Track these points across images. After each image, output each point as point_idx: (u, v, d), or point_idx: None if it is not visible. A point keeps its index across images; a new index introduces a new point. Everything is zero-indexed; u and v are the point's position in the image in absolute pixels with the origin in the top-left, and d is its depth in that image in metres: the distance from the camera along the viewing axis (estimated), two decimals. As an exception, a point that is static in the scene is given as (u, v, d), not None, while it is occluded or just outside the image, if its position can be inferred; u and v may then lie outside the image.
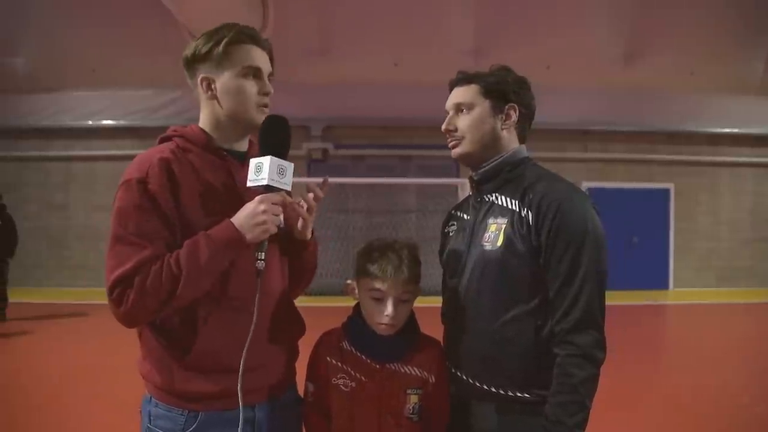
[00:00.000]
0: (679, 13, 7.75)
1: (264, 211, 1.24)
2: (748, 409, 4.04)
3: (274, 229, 1.26)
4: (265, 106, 1.39)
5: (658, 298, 9.44)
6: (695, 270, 10.35)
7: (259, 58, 1.38)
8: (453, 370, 1.50)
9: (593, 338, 1.32)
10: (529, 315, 1.39)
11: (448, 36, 8.05)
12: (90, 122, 9.96)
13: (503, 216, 1.44)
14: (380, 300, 1.43)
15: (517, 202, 1.43)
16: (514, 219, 1.41)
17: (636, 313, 7.98)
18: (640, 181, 10.24)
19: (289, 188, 1.30)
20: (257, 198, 1.26)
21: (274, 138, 1.32)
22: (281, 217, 1.30)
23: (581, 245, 1.34)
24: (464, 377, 1.47)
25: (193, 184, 1.30)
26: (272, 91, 1.40)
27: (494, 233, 1.43)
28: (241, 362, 1.22)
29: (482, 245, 1.44)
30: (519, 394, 1.39)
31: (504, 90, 1.50)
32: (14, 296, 7.66)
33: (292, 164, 1.31)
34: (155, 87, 9.44)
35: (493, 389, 1.41)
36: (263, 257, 1.26)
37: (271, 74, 1.42)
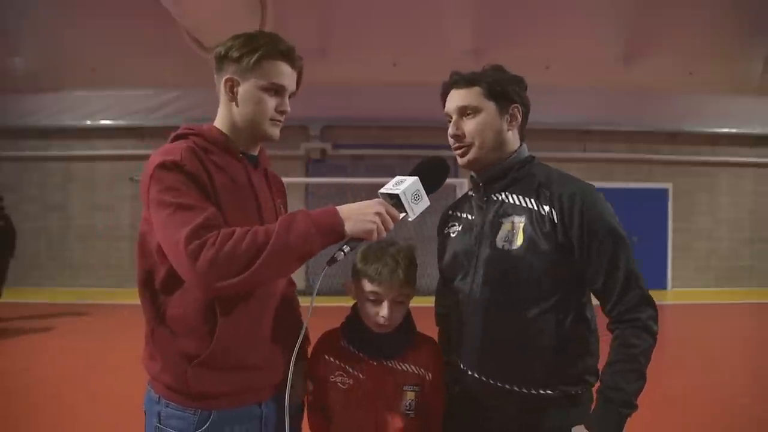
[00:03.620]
0: (678, 13, 7.74)
1: (378, 213, 1.23)
2: (748, 409, 4.04)
3: (375, 237, 1.24)
4: (279, 121, 1.41)
5: (657, 298, 9.31)
6: (694, 270, 10.35)
7: (287, 77, 1.39)
8: (469, 372, 1.47)
9: (651, 314, 1.37)
10: (549, 312, 1.39)
11: (447, 36, 8.04)
12: (89, 122, 9.96)
13: (519, 214, 1.43)
14: (376, 302, 1.45)
15: (532, 200, 1.43)
16: (534, 217, 1.40)
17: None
18: (639, 180, 10.25)
19: (411, 217, 1.29)
20: (377, 199, 1.27)
21: (432, 175, 1.34)
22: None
23: (615, 233, 1.38)
24: (482, 378, 1.44)
25: (218, 178, 1.31)
26: (289, 110, 1.41)
27: (510, 232, 1.42)
28: (293, 357, 1.26)
29: (497, 245, 1.43)
30: (542, 392, 1.39)
31: (507, 90, 1.49)
32: (14, 296, 7.66)
33: (429, 203, 1.31)
34: (155, 87, 9.45)
35: (516, 388, 1.41)
36: (347, 251, 1.24)
37: (293, 93, 1.44)
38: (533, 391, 1.39)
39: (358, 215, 1.22)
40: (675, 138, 10.28)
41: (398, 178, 1.30)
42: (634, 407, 1.32)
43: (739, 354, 6.05)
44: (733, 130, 10.24)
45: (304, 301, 1.67)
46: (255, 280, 1.17)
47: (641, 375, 1.33)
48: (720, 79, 9.09)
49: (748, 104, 9.85)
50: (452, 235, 1.59)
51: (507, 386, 1.41)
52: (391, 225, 1.25)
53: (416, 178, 1.28)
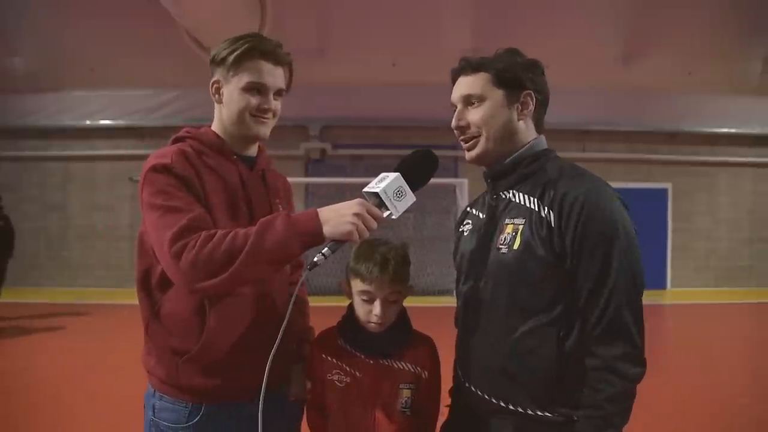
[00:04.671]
0: (678, 13, 7.75)
1: (357, 214, 1.18)
2: (748, 409, 4.04)
3: (356, 238, 1.19)
4: (264, 119, 1.40)
5: (656, 297, 9.38)
6: (693, 270, 10.35)
7: (269, 74, 1.38)
8: (466, 385, 1.38)
9: (620, 351, 1.19)
10: (550, 325, 1.24)
11: (446, 36, 8.03)
12: (89, 122, 9.96)
13: (521, 216, 1.30)
14: (368, 301, 1.46)
15: (536, 200, 1.29)
16: (533, 220, 1.27)
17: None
18: (638, 181, 10.25)
19: (395, 215, 1.23)
20: (357, 200, 1.21)
21: (417, 169, 1.28)
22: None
23: (610, 248, 1.21)
24: (477, 392, 1.34)
25: (210, 180, 1.34)
26: (273, 107, 1.40)
27: (510, 235, 1.29)
28: (270, 356, 1.17)
29: (498, 248, 1.30)
30: (540, 413, 1.25)
31: (518, 76, 1.34)
32: (13, 296, 7.66)
33: (414, 199, 1.25)
34: (154, 87, 9.46)
35: (511, 407, 1.28)
36: (328, 254, 1.19)
37: (283, 90, 1.43)
38: (530, 412, 1.26)
39: (336, 217, 1.19)
40: (674, 138, 10.29)
41: (382, 174, 1.25)
42: None
43: (738, 354, 6.05)
44: (732, 130, 10.26)
45: (313, 301, 1.68)
46: (235, 281, 1.19)
47: (608, 424, 1.18)
48: (719, 79, 9.09)
49: (747, 104, 9.87)
50: (465, 234, 1.49)
51: (502, 403, 1.29)
52: (374, 224, 1.21)
53: (398, 174, 1.23)
